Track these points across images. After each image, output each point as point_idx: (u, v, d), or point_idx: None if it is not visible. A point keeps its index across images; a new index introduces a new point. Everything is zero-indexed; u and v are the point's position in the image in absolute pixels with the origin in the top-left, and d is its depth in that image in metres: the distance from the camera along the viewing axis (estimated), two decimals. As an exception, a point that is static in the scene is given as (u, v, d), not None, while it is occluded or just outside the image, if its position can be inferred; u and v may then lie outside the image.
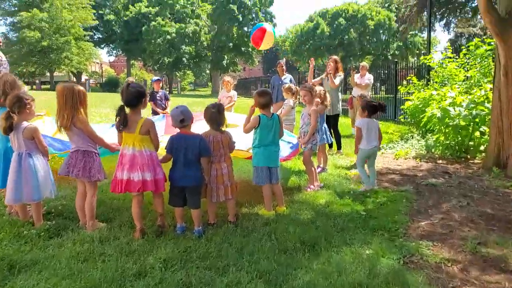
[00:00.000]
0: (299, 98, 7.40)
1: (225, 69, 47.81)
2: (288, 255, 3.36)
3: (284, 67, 9.21)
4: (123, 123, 3.53)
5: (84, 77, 53.09)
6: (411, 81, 11.26)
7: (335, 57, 8.25)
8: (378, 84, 17.81)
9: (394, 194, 5.14)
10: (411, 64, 15.67)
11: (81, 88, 3.81)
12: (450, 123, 7.30)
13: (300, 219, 4.19)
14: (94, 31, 51.38)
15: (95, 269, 2.98)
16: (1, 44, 7.60)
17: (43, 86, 46.92)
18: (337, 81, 7.92)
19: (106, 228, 3.77)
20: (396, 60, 19.14)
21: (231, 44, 44.07)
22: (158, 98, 8.34)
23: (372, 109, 5.41)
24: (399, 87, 12.73)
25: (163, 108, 8.18)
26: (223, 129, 4.03)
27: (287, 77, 9.01)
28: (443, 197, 5.06)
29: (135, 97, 3.60)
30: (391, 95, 14.66)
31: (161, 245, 3.44)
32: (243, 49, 45.43)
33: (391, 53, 45.20)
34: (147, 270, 3.03)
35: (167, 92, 8.22)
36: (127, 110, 3.60)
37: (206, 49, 44.62)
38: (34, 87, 46.86)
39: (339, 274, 3.04)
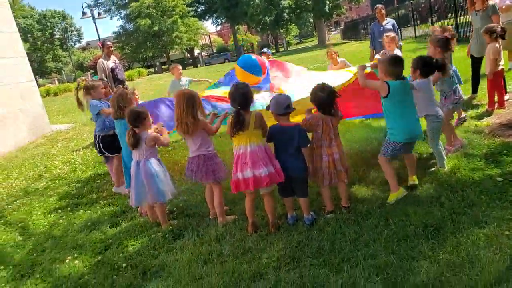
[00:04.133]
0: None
1: (329, 15, 45.47)
2: (409, 244, 3.06)
3: (383, 11, 8.33)
4: (242, 126, 3.49)
5: (196, 52, 55.98)
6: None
7: None
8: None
9: (539, 148, 4.32)
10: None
11: (195, 92, 3.91)
12: None
13: (420, 196, 3.77)
14: (196, 5, 53.26)
15: (213, 274, 3.11)
16: (111, 48, 8.23)
17: (163, 67, 50.92)
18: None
19: (234, 219, 3.97)
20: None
21: (331, -14, 41.68)
22: None
23: (427, 69, 4.12)
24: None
25: None
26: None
27: (389, 23, 8.14)
28: None
29: (247, 99, 3.56)
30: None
31: (274, 241, 3.44)
32: (345, -11, 42.67)
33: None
34: (262, 271, 3.06)
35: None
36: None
37: (305, -2, 42.99)
38: (156, 68, 51.14)
39: (471, 267, 2.68)
